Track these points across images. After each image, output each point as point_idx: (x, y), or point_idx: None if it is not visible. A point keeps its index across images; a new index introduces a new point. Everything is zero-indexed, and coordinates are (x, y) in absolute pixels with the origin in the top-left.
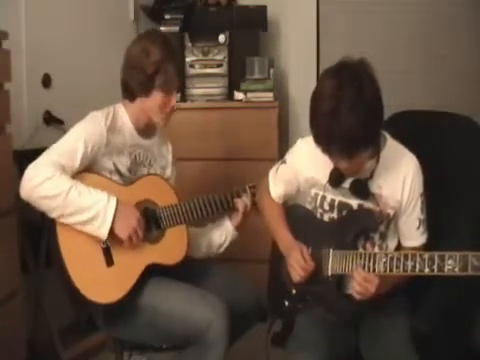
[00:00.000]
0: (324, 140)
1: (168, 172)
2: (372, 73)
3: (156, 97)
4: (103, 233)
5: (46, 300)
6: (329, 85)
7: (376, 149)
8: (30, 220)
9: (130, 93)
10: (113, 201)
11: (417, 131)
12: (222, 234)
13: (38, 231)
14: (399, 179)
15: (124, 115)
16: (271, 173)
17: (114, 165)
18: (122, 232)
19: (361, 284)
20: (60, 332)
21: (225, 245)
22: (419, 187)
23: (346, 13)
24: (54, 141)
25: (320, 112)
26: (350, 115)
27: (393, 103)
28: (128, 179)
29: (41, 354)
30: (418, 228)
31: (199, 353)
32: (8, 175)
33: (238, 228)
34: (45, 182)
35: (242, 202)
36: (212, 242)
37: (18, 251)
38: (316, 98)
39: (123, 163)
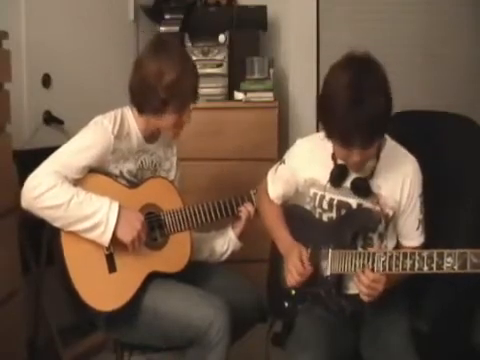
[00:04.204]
0: (346, 131)
1: (172, 175)
2: (379, 64)
3: (169, 118)
4: (105, 240)
5: (46, 300)
6: (345, 76)
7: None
8: (30, 220)
9: (140, 109)
10: (115, 207)
11: (417, 131)
12: (225, 243)
13: (38, 231)
14: (398, 180)
15: (132, 120)
16: (270, 173)
17: (120, 172)
18: (125, 237)
19: (370, 286)
20: (60, 332)
21: (227, 254)
22: (418, 188)
23: (346, 13)
24: (54, 141)
25: (341, 104)
26: (374, 102)
27: (393, 103)
28: (133, 183)
29: (41, 354)
30: (417, 229)
31: (201, 354)
32: (8, 175)
33: (241, 237)
34: (47, 192)
35: (246, 211)
36: (214, 250)
37: (18, 251)
38: (332, 92)
39: (129, 169)
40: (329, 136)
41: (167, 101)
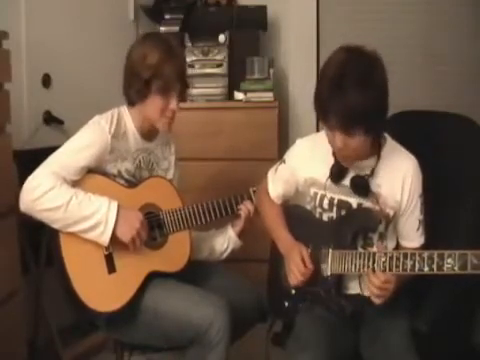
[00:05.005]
0: (325, 108)
1: (170, 174)
2: (383, 64)
3: (154, 102)
4: (104, 240)
5: (46, 300)
6: (340, 56)
7: (373, 141)
8: (30, 220)
9: (129, 100)
10: (114, 207)
11: (417, 131)
12: (224, 242)
13: (38, 231)
14: (398, 179)
15: (128, 119)
16: (270, 173)
17: (118, 171)
18: (125, 236)
19: (381, 287)
20: (60, 332)
21: (227, 252)
22: (418, 188)
23: (346, 13)
24: (54, 141)
25: (326, 79)
26: (358, 90)
27: (393, 103)
28: (132, 183)
29: (41, 354)
30: (418, 229)
31: (201, 353)
32: (8, 175)
33: (241, 235)
34: (45, 195)
35: (245, 209)
36: (214, 249)
37: (18, 251)
38: (325, 66)
39: (127, 169)
40: (315, 109)
41: (149, 82)
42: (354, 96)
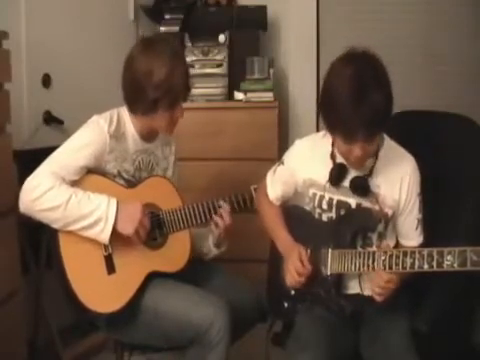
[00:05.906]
0: (350, 126)
1: (169, 173)
2: (378, 55)
3: (162, 118)
4: (105, 237)
5: (46, 300)
6: (347, 71)
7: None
8: (30, 220)
9: (132, 108)
10: (113, 203)
11: (417, 131)
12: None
13: (38, 231)
14: (397, 179)
15: (128, 121)
16: (269, 174)
17: (118, 171)
18: (127, 230)
19: (384, 287)
20: (60, 332)
21: (213, 254)
22: (417, 187)
23: (346, 13)
24: (54, 141)
25: (343, 99)
26: (376, 96)
27: (393, 103)
28: (132, 183)
29: (41, 354)
30: (416, 228)
31: (201, 353)
32: (8, 175)
33: (220, 245)
34: (44, 194)
35: (220, 221)
36: (204, 248)
37: (18, 251)
38: (334, 87)
39: (126, 169)
40: (332, 132)
41: (157, 100)
42: (378, 99)
